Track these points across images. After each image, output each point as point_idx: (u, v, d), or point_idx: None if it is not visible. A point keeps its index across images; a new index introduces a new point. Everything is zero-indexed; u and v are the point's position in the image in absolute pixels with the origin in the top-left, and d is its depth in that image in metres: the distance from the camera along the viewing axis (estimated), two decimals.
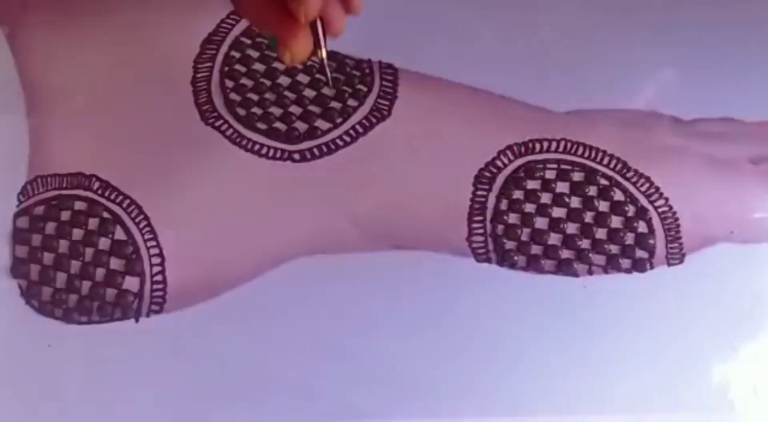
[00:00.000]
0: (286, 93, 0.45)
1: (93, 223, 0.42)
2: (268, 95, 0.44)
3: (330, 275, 0.42)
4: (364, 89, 0.45)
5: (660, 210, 0.42)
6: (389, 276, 0.42)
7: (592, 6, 0.47)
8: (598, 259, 0.41)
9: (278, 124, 0.44)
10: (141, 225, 0.42)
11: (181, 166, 0.43)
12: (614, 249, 0.41)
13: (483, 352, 0.40)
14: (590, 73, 0.45)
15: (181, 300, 0.41)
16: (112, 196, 0.43)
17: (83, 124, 0.43)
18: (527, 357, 0.40)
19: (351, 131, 0.44)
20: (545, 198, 0.42)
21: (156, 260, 0.42)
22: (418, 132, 0.44)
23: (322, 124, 0.44)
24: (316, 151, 0.44)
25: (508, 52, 0.46)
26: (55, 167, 0.44)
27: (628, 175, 0.42)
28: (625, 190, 0.42)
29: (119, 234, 0.42)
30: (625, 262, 0.41)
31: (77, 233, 0.42)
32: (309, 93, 0.44)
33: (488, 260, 0.42)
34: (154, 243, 0.42)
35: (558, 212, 0.42)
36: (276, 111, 0.44)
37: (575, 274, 0.41)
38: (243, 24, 0.46)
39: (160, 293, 0.41)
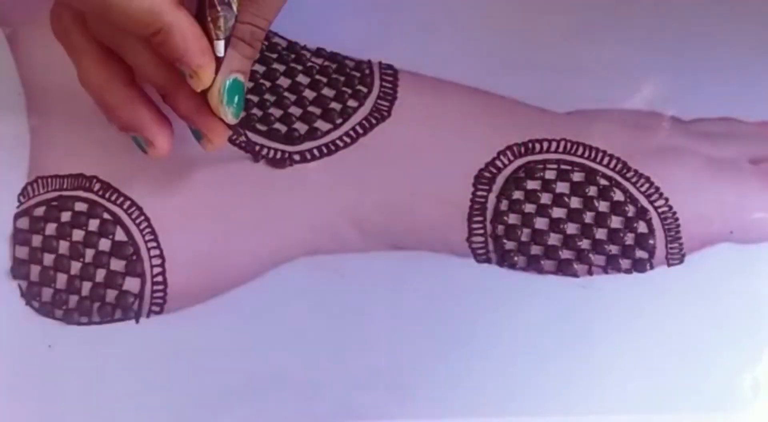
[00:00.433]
0: (286, 94, 0.45)
1: (93, 224, 0.42)
2: (267, 96, 0.45)
3: (330, 275, 0.42)
4: (364, 90, 0.45)
5: (660, 210, 0.42)
6: (389, 276, 0.42)
7: (592, 6, 0.47)
8: (598, 260, 0.41)
9: (278, 125, 0.44)
10: (141, 227, 0.42)
11: (181, 167, 0.43)
12: (614, 249, 0.41)
13: (483, 352, 0.40)
14: (590, 73, 0.45)
15: (181, 301, 0.41)
16: (113, 198, 0.43)
17: (84, 125, 0.43)
18: (527, 358, 0.40)
19: (351, 132, 0.44)
20: (545, 198, 0.42)
21: (156, 261, 0.42)
22: (418, 132, 0.44)
23: (322, 125, 0.44)
24: (316, 151, 0.44)
25: (508, 52, 0.46)
26: (56, 168, 0.44)
27: (628, 175, 0.42)
28: (625, 190, 0.42)
29: (120, 236, 0.42)
30: (625, 263, 0.41)
31: (78, 234, 0.42)
32: (309, 94, 0.45)
33: (488, 260, 0.42)
34: (154, 244, 0.42)
35: (558, 212, 0.42)
36: (276, 112, 0.44)
37: (575, 274, 0.41)
38: None
39: (160, 294, 0.41)
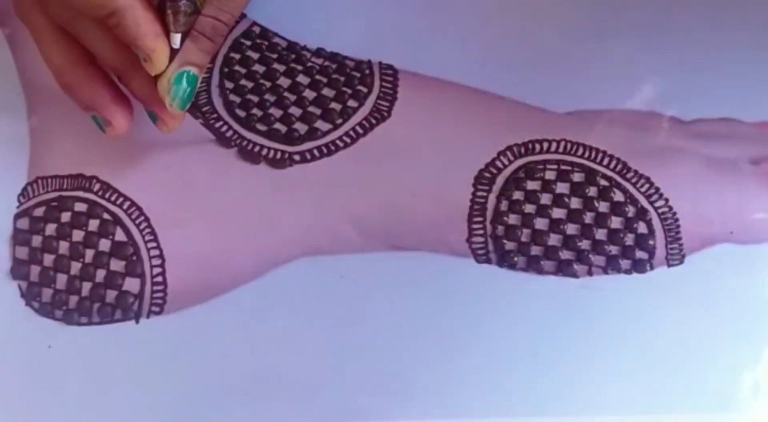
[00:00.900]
0: (286, 94, 0.45)
1: (93, 225, 0.42)
2: (268, 96, 0.45)
3: (330, 275, 0.42)
4: (364, 90, 0.45)
5: (660, 210, 0.42)
6: (389, 277, 0.42)
7: (592, 6, 0.47)
8: (598, 260, 0.41)
9: (278, 125, 0.44)
10: (141, 227, 0.42)
11: (181, 167, 0.43)
12: (614, 249, 0.41)
13: (483, 353, 0.40)
14: (590, 73, 0.45)
15: (181, 301, 0.41)
16: (113, 198, 0.43)
17: (84, 125, 0.42)
18: (527, 358, 0.40)
19: (351, 132, 0.44)
20: (545, 198, 0.42)
21: (156, 261, 0.42)
22: (418, 133, 0.44)
23: (322, 125, 0.44)
24: (316, 152, 0.44)
25: (508, 53, 0.46)
26: (56, 168, 0.44)
27: (628, 175, 0.42)
28: (625, 191, 0.42)
29: (119, 236, 0.42)
30: (625, 263, 0.41)
31: (77, 234, 0.42)
32: (309, 94, 0.45)
33: (488, 261, 0.42)
34: (154, 244, 0.42)
35: (558, 213, 0.42)
36: (276, 112, 0.44)
37: (575, 275, 0.41)
38: (242, 25, 0.46)
39: (160, 294, 0.41)
